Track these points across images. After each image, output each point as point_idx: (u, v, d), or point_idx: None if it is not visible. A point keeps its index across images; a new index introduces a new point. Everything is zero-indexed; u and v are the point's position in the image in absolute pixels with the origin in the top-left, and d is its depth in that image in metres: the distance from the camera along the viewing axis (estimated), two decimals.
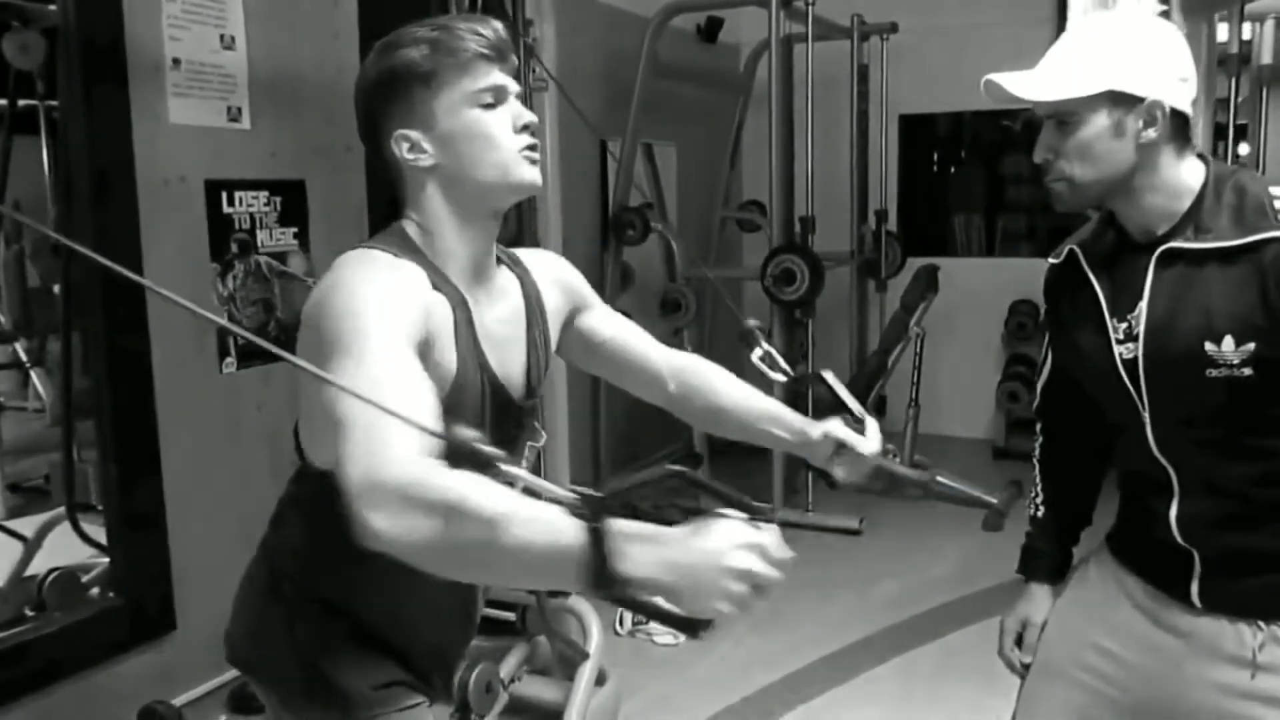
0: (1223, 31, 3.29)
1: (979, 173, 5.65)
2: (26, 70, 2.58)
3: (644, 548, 0.80)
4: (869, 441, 1.33)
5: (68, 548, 2.56)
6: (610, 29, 4.46)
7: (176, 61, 2.47)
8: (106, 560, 2.49)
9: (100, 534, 2.50)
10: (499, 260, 1.22)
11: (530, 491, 0.86)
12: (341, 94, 2.87)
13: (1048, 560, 1.51)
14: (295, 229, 2.81)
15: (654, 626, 3.22)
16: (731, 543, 0.83)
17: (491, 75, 1.10)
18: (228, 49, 2.59)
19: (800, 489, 4.31)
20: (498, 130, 1.11)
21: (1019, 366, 5.21)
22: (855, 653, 3.11)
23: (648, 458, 4.96)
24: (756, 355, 1.43)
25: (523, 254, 1.30)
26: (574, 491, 0.84)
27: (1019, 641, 1.51)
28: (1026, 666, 1.49)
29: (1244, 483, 1.23)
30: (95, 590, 2.51)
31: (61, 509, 2.58)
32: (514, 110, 1.12)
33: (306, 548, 1.19)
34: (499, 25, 1.12)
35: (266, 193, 2.72)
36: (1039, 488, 1.53)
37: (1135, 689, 1.35)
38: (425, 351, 1.02)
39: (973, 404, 5.38)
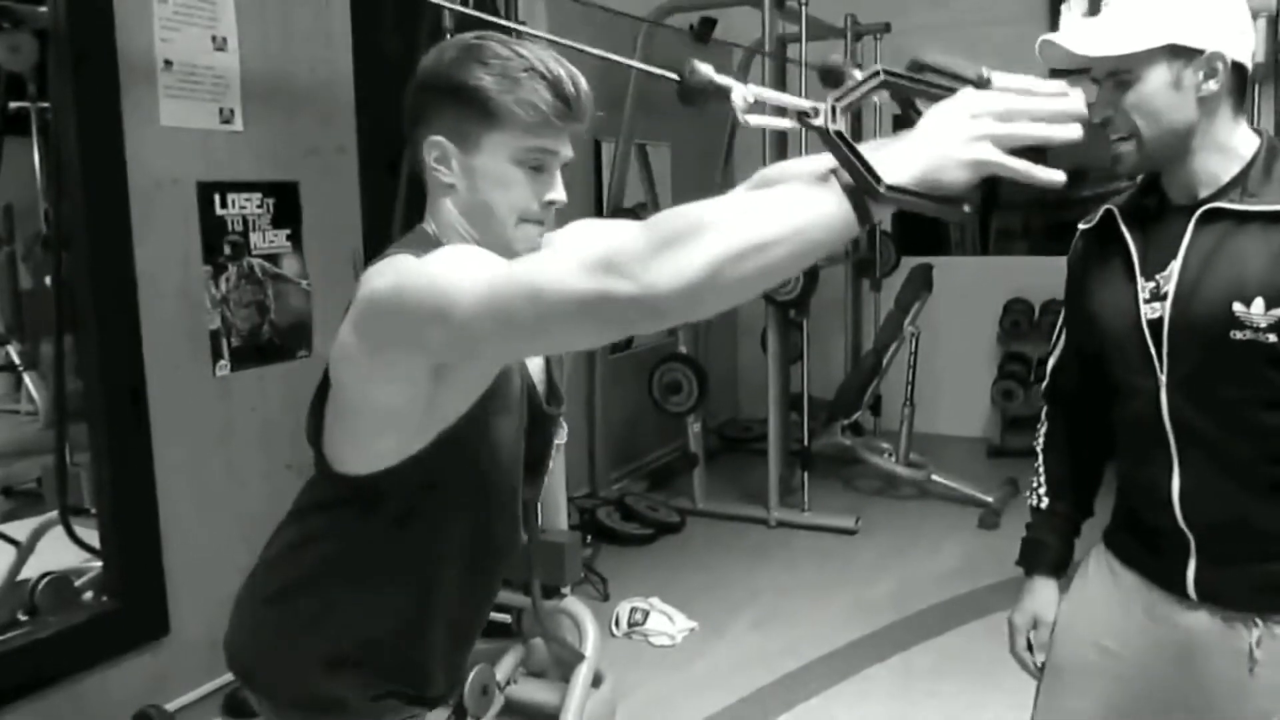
0: None
1: None
2: (17, 72, 2.57)
3: (885, 151, 0.76)
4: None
5: (61, 551, 2.55)
6: (603, 29, 4.46)
7: (168, 63, 2.46)
8: (99, 564, 2.48)
9: (93, 537, 2.49)
10: None
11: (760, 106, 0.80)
12: (335, 95, 2.89)
13: (1050, 553, 1.48)
14: (288, 230, 2.80)
15: (650, 627, 3.22)
16: (962, 99, 0.77)
17: (550, 139, 1.07)
18: (220, 50, 2.58)
19: (796, 489, 4.31)
20: (523, 196, 1.07)
21: (1014, 365, 5.21)
22: (852, 652, 3.11)
23: (644, 459, 4.96)
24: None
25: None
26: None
27: (1030, 641, 1.48)
28: (1041, 667, 1.48)
29: (1250, 457, 1.23)
30: (88, 594, 2.50)
31: (54, 513, 2.56)
32: (550, 182, 1.09)
33: (316, 559, 1.16)
34: (585, 86, 1.08)
35: (259, 194, 2.71)
36: (1041, 476, 1.50)
37: (1137, 687, 1.35)
38: None
39: (968, 403, 5.38)
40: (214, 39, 2.57)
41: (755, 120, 0.79)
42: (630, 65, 1.00)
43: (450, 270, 0.90)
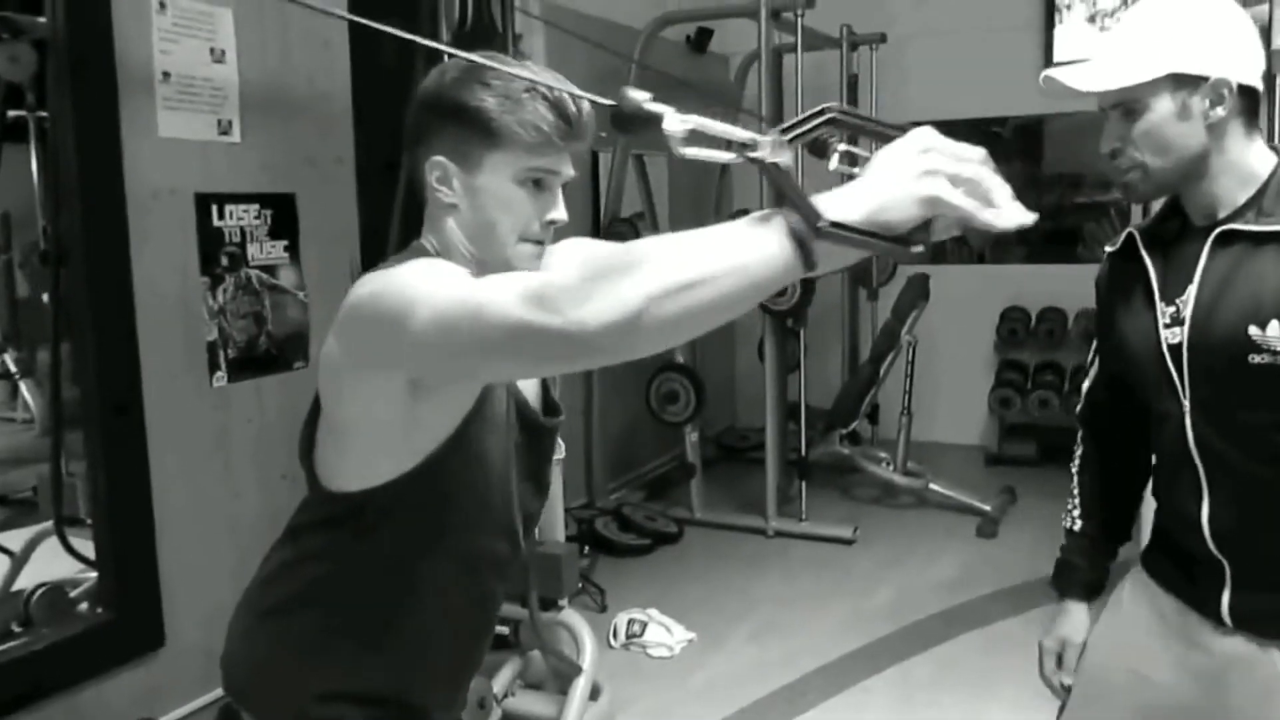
0: None
1: None
2: (16, 82, 2.57)
3: (837, 190, 0.75)
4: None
5: (55, 561, 2.54)
6: (601, 41, 4.47)
7: (167, 75, 2.46)
8: (95, 575, 2.47)
9: (89, 548, 2.48)
10: None
11: (702, 134, 0.77)
12: (332, 107, 2.89)
13: (1084, 576, 1.46)
14: (286, 242, 2.80)
15: (648, 638, 3.21)
16: (913, 137, 0.75)
17: (552, 159, 1.07)
18: (218, 62, 2.59)
19: (794, 498, 4.30)
20: (524, 216, 1.07)
21: (1011, 373, 5.22)
22: (851, 663, 3.10)
23: (641, 469, 4.96)
24: (834, 164, 1.38)
25: None
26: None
27: (1059, 661, 1.47)
28: (1067, 688, 1.46)
29: (1276, 483, 1.20)
30: (83, 605, 2.48)
31: (49, 522, 2.55)
32: (552, 201, 1.09)
33: (310, 579, 1.15)
34: (587, 106, 1.07)
35: (257, 206, 2.71)
36: (1076, 499, 1.48)
37: (1163, 712, 1.33)
38: None
39: (965, 411, 5.39)
40: (212, 51, 2.57)
41: (692, 152, 0.77)
42: (586, 97, 0.98)
43: (421, 280, 0.90)
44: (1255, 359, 1.14)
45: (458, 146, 1.06)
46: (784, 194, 0.74)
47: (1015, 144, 5.35)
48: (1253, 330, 1.14)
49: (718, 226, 0.76)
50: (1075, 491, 1.49)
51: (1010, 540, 4.09)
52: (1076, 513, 1.48)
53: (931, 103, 5.30)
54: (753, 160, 0.75)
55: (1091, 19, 4.93)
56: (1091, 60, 1.21)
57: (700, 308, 0.74)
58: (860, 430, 4.93)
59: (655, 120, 0.75)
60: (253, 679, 1.19)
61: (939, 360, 5.24)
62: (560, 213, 1.10)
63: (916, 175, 0.73)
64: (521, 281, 0.79)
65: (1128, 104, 1.18)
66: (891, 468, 4.60)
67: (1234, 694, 1.26)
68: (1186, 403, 1.23)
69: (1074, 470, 1.50)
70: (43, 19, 2.32)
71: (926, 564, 3.89)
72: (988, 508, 4.27)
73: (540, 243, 1.10)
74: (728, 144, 0.77)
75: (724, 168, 5.37)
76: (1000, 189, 0.74)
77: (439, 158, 1.07)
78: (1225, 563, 1.24)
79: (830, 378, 5.11)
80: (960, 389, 5.40)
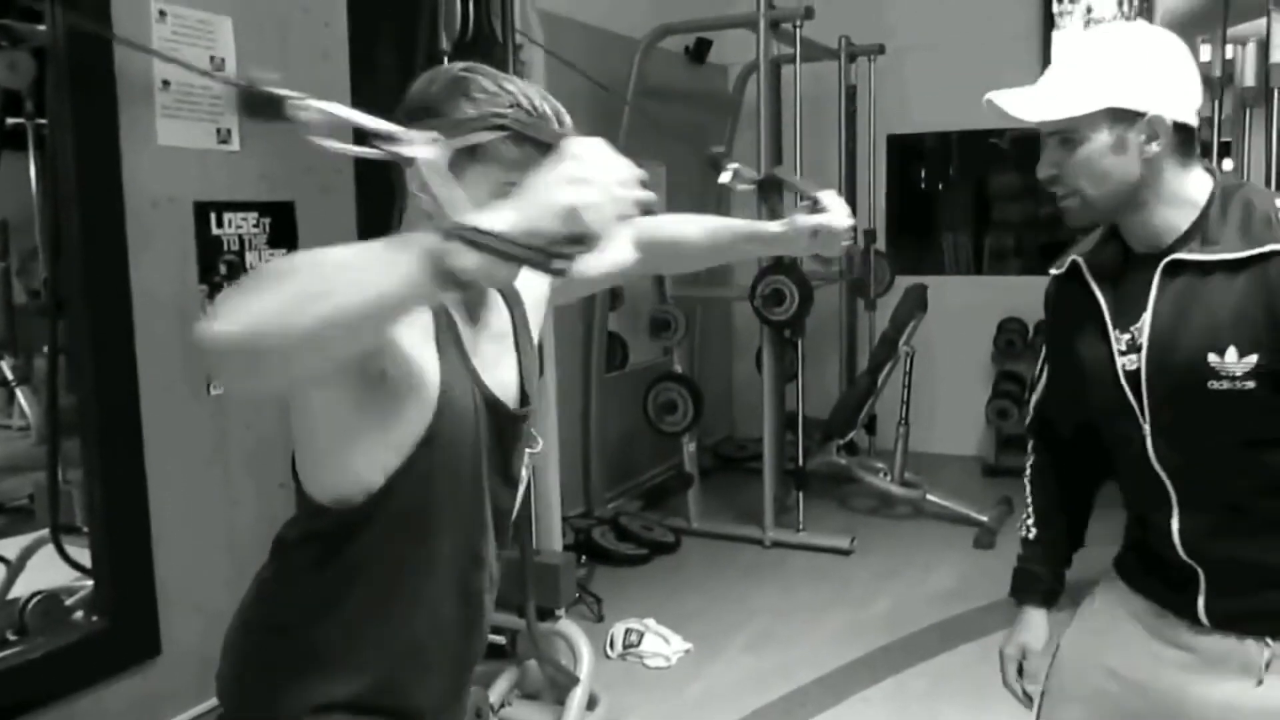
0: (1205, 53, 3.36)
1: (966, 191, 5.69)
2: (15, 89, 2.58)
3: (495, 205, 0.75)
4: (836, 214, 1.36)
5: (51, 569, 2.53)
6: (600, 50, 4.49)
7: (166, 83, 2.47)
8: (91, 583, 2.46)
9: (85, 556, 2.47)
10: None
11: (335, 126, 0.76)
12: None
13: (1040, 584, 1.49)
14: (284, 250, 2.80)
15: (645, 649, 3.20)
16: (568, 150, 0.75)
17: (531, 171, 1.09)
18: (217, 70, 2.59)
19: (791, 508, 4.30)
20: None
21: (1008, 384, 5.22)
22: (848, 673, 3.10)
23: (639, 478, 4.95)
24: (725, 177, 1.50)
25: None
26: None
27: (1020, 670, 1.49)
28: (1028, 695, 1.48)
29: (1244, 495, 1.23)
30: (79, 614, 2.47)
31: (45, 530, 2.54)
32: None
33: (296, 595, 1.14)
34: (569, 122, 1.08)
35: (256, 214, 2.71)
36: (1030, 507, 1.51)
37: (1145, 710, 1.34)
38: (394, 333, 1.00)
39: (963, 421, 5.39)
40: (212, 59, 2.58)
41: (336, 146, 0.76)
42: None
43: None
44: (1215, 385, 1.17)
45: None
46: (427, 192, 0.72)
47: (1013, 156, 5.37)
48: (1211, 357, 1.16)
49: (371, 242, 0.75)
50: (1029, 501, 1.51)
51: (1007, 551, 4.05)
52: (1030, 521, 1.50)
53: (929, 114, 5.33)
54: (396, 156, 0.74)
55: (1087, 24, 4.95)
56: (1036, 86, 1.23)
57: (320, 323, 0.72)
58: (858, 440, 4.94)
59: (278, 105, 0.74)
60: (246, 694, 1.18)
61: (936, 371, 5.24)
62: None
63: (560, 186, 0.73)
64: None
65: (1065, 133, 1.21)
66: (889, 478, 4.60)
67: (1209, 687, 1.28)
68: (1147, 426, 1.25)
69: (1026, 480, 1.52)
70: (42, 27, 2.32)
71: (924, 575, 3.89)
72: (985, 519, 4.27)
73: None
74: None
75: (718, 176, 5.39)
76: (643, 202, 0.75)
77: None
78: (1199, 569, 1.26)
79: (828, 388, 5.11)
80: (957, 400, 5.40)
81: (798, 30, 4.19)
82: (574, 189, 0.72)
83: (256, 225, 2.71)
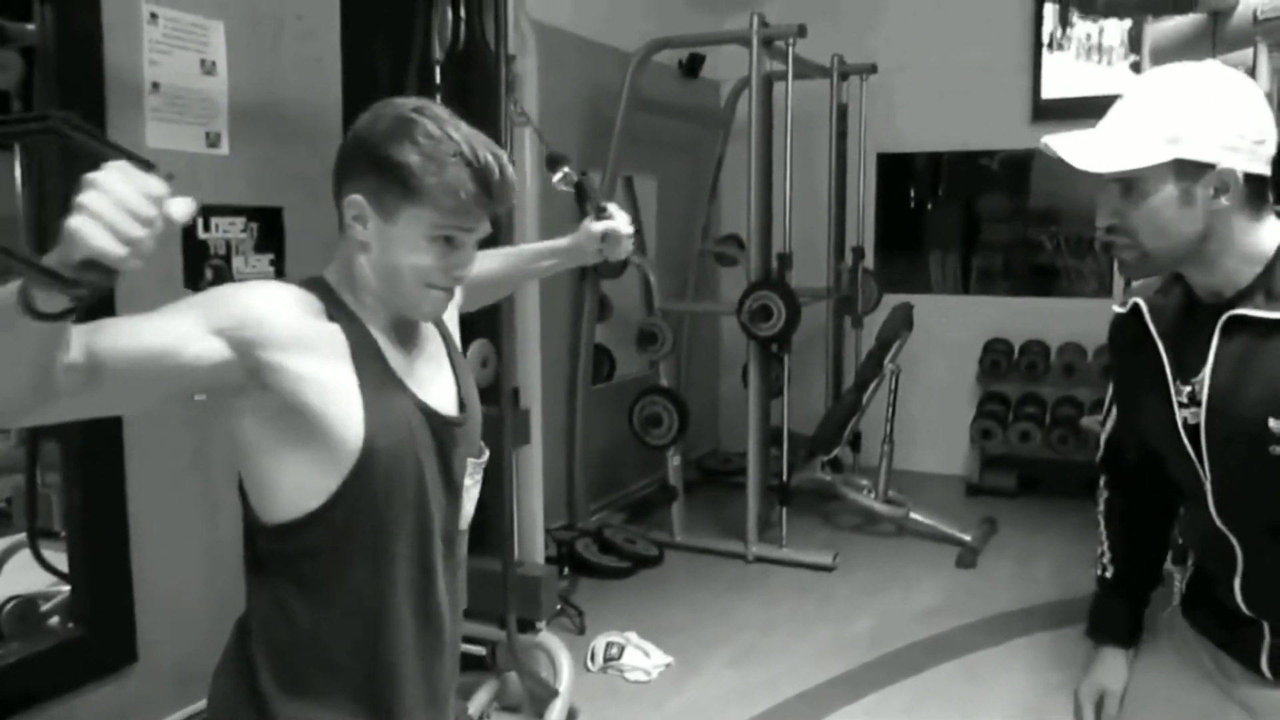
0: None
1: (955, 212, 5.72)
2: (2, 89, 2.56)
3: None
4: (620, 221, 1.46)
5: (27, 574, 2.50)
6: (593, 63, 4.50)
7: (156, 85, 2.46)
8: (67, 589, 2.44)
9: (62, 561, 2.45)
10: None
11: None
12: (322, 121, 2.89)
13: (1119, 624, 1.44)
14: (272, 255, 2.79)
15: (625, 662, 3.19)
16: (95, 174, 0.78)
17: (467, 220, 1.10)
18: (209, 75, 2.59)
19: (775, 524, 4.30)
20: (432, 269, 1.10)
21: (993, 404, 5.25)
22: (830, 690, 3.09)
23: (623, 490, 4.94)
24: (556, 177, 1.59)
25: None
26: None
27: (1098, 711, 1.44)
28: None
29: None
30: (55, 619, 2.45)
31: (22, 534, 2.52)
32: (462, 257, 1.12)
33: (263, 614, 1.15)
34: (510, 172, 1.10)
35: (244, 219, 2.70)
36: (1105, 545, 1.46)
37: None
38: (267, 357, 1.02)
39: (947, 441, 5.40)
40: (203, 63, 2.57)
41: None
42: None
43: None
44: (1276, 450, 1.11)
45: (378, 194, 1.09)
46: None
47: (1002, 177, 5.41)
48: (1273, 423, 1.11)
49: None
50: (1104, 539, 1.46)
51: (990, 570, 4.10)
52: (1106, 559, 1.46)
53: (920, 134, 5.36)
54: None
55: (1089, 51, 5.00)
56: (1097, 130, 1.16)
57: None
58: (842, 457, 4.94)
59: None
60: (227, 712, 1.18)
61: (922, 390, 5.26)
62: (468, 269, 1.14)
63: (74, 210, 0.75)
64: None
65: (1128, 181, 1.14)
66: (873, 495, 4.60)
67: None
68: (1208, 482, 1.20)
69: (1100, 516, 1.48)
70: (31, 26, 2.31)
71: (906, 592, 3.89)
72: (968, 538, 4.28)
73: (448, 289, 1.13)
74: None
75: (714, 189, 5.41)
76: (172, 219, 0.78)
77: (358, 198, 1.10)
78: (1263, 621, 1.23)
79: (813, 404, 5.12)
80: (942, 419, 5.42)
81: (790, 48, 4.21)
82: (76, 216, 0.74)
83: (244, 230, 2.70)
